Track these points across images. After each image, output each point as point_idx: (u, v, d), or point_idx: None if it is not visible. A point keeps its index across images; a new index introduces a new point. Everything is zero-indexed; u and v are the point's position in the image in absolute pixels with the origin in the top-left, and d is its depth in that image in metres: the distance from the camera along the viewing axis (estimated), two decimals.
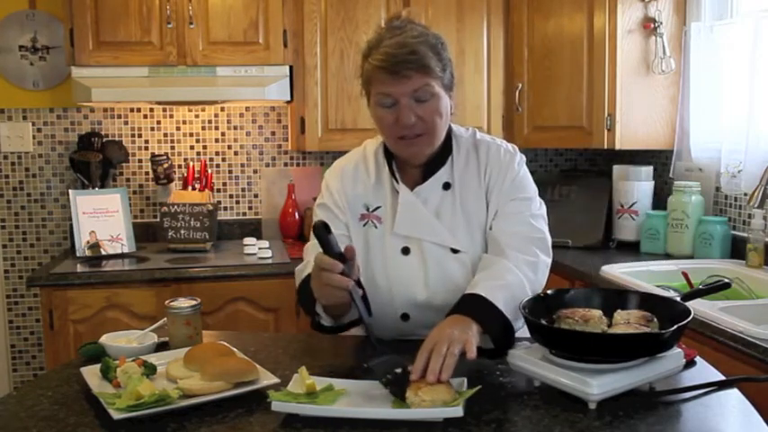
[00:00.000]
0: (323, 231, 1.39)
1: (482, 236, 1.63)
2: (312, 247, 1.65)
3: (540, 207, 1.66)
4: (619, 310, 1.37)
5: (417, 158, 1.62)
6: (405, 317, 1.64)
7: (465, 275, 1.59)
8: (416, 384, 1.23)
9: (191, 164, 3.31)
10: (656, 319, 1.33)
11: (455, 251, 1.61)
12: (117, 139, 3.29)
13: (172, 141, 3.36)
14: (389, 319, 1.65)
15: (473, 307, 1.41)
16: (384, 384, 1.27)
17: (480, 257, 1.60)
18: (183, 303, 1.61)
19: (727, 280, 1.56)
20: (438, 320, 1.44)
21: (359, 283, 1.47)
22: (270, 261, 2.91)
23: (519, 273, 1.51)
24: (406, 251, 1.63)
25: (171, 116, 3.35)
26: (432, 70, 1.52)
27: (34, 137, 3.26)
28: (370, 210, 1.67)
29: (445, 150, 1.65)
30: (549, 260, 1.62)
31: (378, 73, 1.52)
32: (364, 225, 1.67)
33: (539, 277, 1.57)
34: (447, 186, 1.64)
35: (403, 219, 1.62)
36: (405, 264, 1.62)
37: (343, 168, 1.72)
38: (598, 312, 1.35)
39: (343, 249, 1.39)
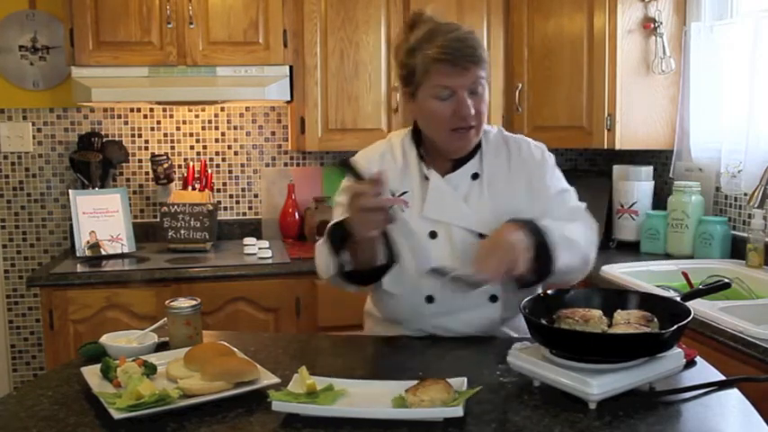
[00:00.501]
0: (351, 164, 1.41)
1: None
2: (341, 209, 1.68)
3: (575, 195, 1.74)
4: (619, 310, 1.37)
5: (464, 150, 1.67)
6: (430, 299, 1.66)
7: None
8: (414, 387, 1.23)
9: (191, 164, 3.31)
10: (656, 319, 1.33)
11: (482, 236, 1.63)
12: (117, 139, 3.29)
13: (172, 141, 3.36)
14: (415, 301, 1.66)
15: (525, 223, 1.50)
16: (451, 280, 1.39)
17: None
18: (183, 303, 1.61)
19: (727, 280, 1.56)
20: (462, 303, 1.59)
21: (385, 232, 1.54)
22: (270, 261, 2.91)
23: (576, 229, 1.60)
24: (433, 235, 1.65)
25: (171, 116, 3.35)
26: (485, 64, 1.60)
27: (34, 137, 3.26)
28: (396, 195, 1.69)
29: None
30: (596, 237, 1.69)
31: (437, 65, 1.56)
32: (391, 208, 1.68)
33: (593, 234, 1.65)
34: (475, 176, 1.69)
35: (432, 203, 1.66)
36: (432, 247, 1.65)
37: (372, 155, 1.76)
38: (598, 312, 1.35)
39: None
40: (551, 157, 1.74)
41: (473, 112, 1.58)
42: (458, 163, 1.69)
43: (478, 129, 1.64)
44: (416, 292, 1.66)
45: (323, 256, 1.63)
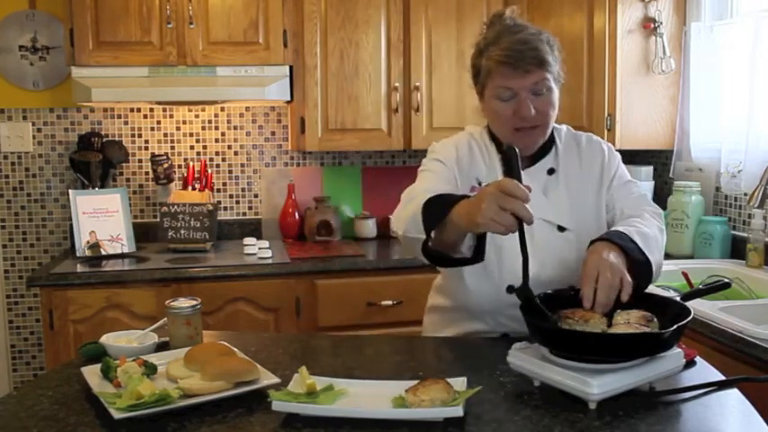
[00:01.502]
0: (514, 154, 1.37)
1: (588, 218, 1.70)
2: (419, 184, 1.68)
3: (640, 186, 1.79)
4: (619, 311, 1.37)
5: (529, 149, 1.69)
6: (510, 289, 1.65)
7: (571, 253, 1.65)
8: (414, 387, 1.23)
9: (191, 164, 3.31)
10: (656, 319, 1.33)
11: (561, 229, 1.67)
12: (117, 139, 3.29)
13: (172, 141, 3.36)
14: (494, 289, 1.66)
15: (617, 237, 1.49)
16: (532, 300, 1.34)
17: (587, 237, 1.61)
18: (183, 303, 1.61)
19: (727, 280, 1.56)
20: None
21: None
22: (270, 261, 2.91)
23: (650, 222, 1.62)
24: None
25: (171, 116, 3.35)
26: (549, 65, 1.62)
27: (34, 137, 3.26)
28: (482, 185, 1.70)
29: (549, 140, 1.74)
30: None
31: (499, 67, 1.60)
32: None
33: (662, 242, 1.64)
34: (551, 172, 1.72)
35: None
36: (514, 238, 1.62)
37: (458, 141, 1.78)
38: (598, 313, 1.35)
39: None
40: (617, 153, 1.80)
41: (533, 112, 1.61)
42: (534, 158, 1.72)
43: (543, 128, 1.67)
44: (497, 280, 1.66)
45: (407, 212, 1.55)
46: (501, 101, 1.63)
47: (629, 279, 1.40)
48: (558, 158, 1.74)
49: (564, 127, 1.81)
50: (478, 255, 1.50)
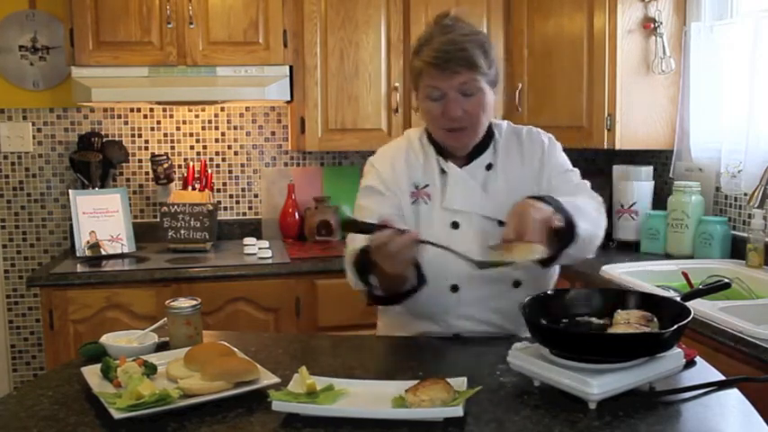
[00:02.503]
0: (354, 223, 1.48)
1: None
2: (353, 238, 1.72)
3: (579, 175, 1.80)
4: (619, 310, 1.37)
5: (461, 149, 1.72)
6: (455, 288, 1.68)
7: None
8: (414, 387, 1.23)
9: (191, 164, 3.31)
10: (656, 319, 1.33)
11: (502, 224, 1.65)
12: (117, 139, 3.29)
13: (172, 141, 3.36)
14: (440, 291, 1.67)
15: (543, 198, 1.52)
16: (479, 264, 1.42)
17: None
18: (183, 303, 1.61)
19: (727, 280, 1.56)
20: (486, 293, 1.65)
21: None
22: (270, 261, 2.91)
23: (585, 201, 1.65)
24: (455, 225, 1.69)
25: (171, 116, 3.35)
26: (478, 67, 1.62)
27: (34, 137, 3.26)
28: (420, 188, 1.74)
29: (487, 137, 1.75)
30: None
31: (428, 68, 1.62)
32: (414, 203, 1.73)
33: (600, 206, 1.70)
34: (489, 167, 1.74)
35: (453, 194, 1.70)
36: (455, 237, 1.67)
37: (391, 152, 1.81)
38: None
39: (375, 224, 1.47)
40: (558, 143, 1.81)
41: (460, 113, 1.62)
42: (472, 156, 1.74)
43: (473, 129, 1.68)
44: (442, 282, 1.67)
45: (349, 271, 1.68)
46: (431, 101, 1.65)
47: (553, 216, 1.45)
48: (497, 154, 1.75)
49: (504, 122, 1.82)
50: (421, 280, 1.61)
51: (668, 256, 2.82)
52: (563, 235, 1.50)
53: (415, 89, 1.72)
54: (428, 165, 1.76)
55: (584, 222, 1.55)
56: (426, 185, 1.74)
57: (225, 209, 3.43)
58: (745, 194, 2.60)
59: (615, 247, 3.06)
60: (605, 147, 2.95)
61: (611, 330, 1.31)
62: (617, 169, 3.12)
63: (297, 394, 1.25)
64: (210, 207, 3.11)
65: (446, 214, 1.70)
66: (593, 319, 1.40)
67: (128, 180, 3.34)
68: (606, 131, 2.92)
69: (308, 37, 3.06)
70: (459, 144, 1.71)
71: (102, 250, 2.94)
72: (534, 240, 1.39)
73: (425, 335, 1.73)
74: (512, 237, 1.41)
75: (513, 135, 1.79)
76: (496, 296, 1.68)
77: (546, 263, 1.54)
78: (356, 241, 1.65)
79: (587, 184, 1.78)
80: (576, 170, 1.80)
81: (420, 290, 1.60)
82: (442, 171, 1.74)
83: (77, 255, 2.93)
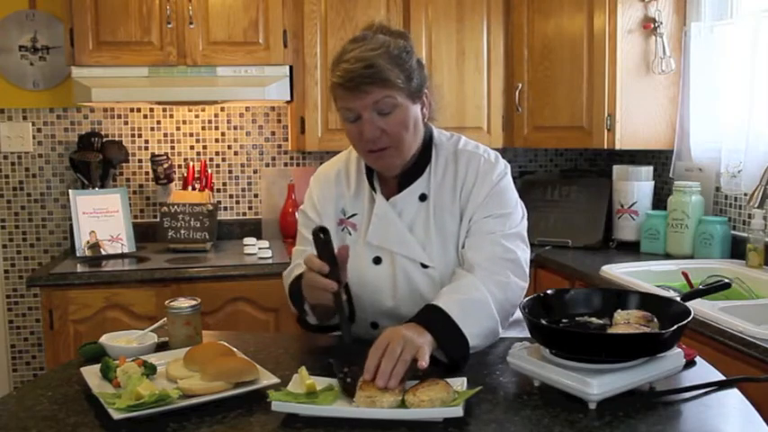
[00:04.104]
0: (321, 235, 1.41)
1: (455, 251, 1.61)
2: (299, 252, 1.69)
3: (519, 223, 1.62)
4: (619, 310, 1.37)
5: (389, 171, 1.61)
6: (374, 325, 1.66)
7: (433, 289, 1.56)
8: (414, 387, 1.23)
9: (191, 164, 3.31)
10: (656, 319, 1.33)
11: (425, 266, 1.60)
12: (117, 139, 3.29)
13: (172, 141, 3.36)
14: (361, 326, 1.66)
15: (430, 318, 1.39)
16: (340, 380, 1.29)
17: (452, 272, 1.58)
18: (183, 303, 1.61)
19: (727, 280, 1.56)
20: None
21: (347, 288, 1.53)
22: (270, 261, 2.91)
23: (485, 291, 1.48)
24: (377, 261, 1.64)
25: (171, 116, 3.35)
26: (391, 83, 1.49)
27: (34, 137, 3.26)
28: (347, 216, 1.68)
29: (423, 159, 1.63)
30: (524, 284, 1.58)
31: (337, 90, 1.52)
32: (342, 230, 1.69)
33: (509, 297, 1.52)
34: (423, 198, 1.62)
35: (376, 229, 1.63)
36: (375, 273, 1.63)
37: (326, 174, 1.74)
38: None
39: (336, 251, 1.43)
40: (502, 174, 1.62)
41: (377, 134, 1.51)
42: (404, 182, 1.62)
43: (398, 149, 1.55)
44: (362, 316, 1.65)
45: (287, 298, 1.70)
46: (349, 122, 1.54)
47: (426, 349, 1.30)
48: (431, 182, 1.62)
49: (451, 140, 1.67)
50: (351, 314, 1.59)
51: (668, 256, 2.82)
52: (451, 347, 1.38)
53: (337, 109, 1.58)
54: (359, 191, 1.67)
55: (481, 323, 1.43)
56: (354, 215, 1.67)
57: (225, 209, 3.43)
58: (745, 194, 2.60)
59: (615, 247, 3.07)
60: (605, 147, 2.95)
61: (611, 330, 1.31)
62: (617, 169, 3.12)
63: (296, 394, 1.25)
64: (210, 207, 3.11)
65: (369, 249, 1.63)
66: (593, 319, 1.40)
67: (128, 180, 3.34)
68: (606, 131, 2.93)
69: (308, 37, 3.05)
70: (383, 165, 1.59)
71: (102, 250, 2.94)
72: (390, 386, 1.22)
73: None
74: (370, 378, 1.24)
75: (452, 159, 1.63)
76: None
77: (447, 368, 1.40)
78: (296, 261, 1.66)
79: (520, 241, 1.59)
80: (515, 215, 1.60)
81: (342, 324, 1.44)
82: (374, 201, 1.64)
83: (77, 255, 2.92)
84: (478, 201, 1.59)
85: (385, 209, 1.62)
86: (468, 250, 1.57)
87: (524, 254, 1.60)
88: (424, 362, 1.27)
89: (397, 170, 1.61)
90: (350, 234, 1.67)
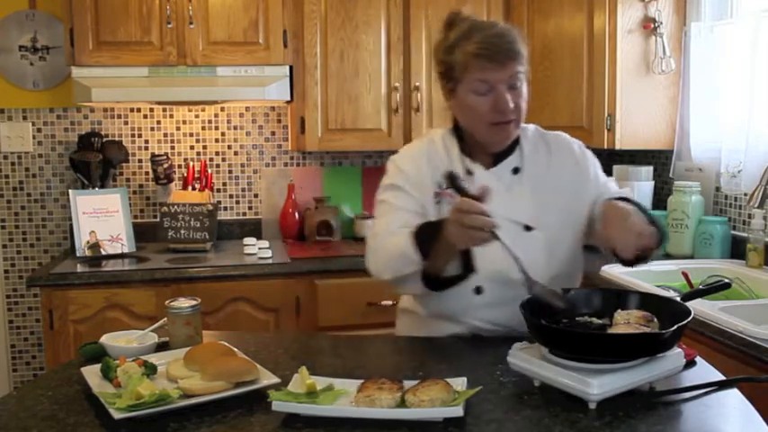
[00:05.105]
0: (456, 177, 1.45)
1: (558, 218, 1.68)
2: (391, 221, 1.69)
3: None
4: (619, 310, 1.37)
5: (504, 143, 1.70)
6: (478, 290, 1.66)
7: (537, 252, 1.63)
8: (414, 387, 1.23)
9: (191, 164, 3.31)
10: (656, 319, 1.33)
11: (528, 228, 1.65)
12: (117, 139, 3.29)
13: (172, 141, 3.36)
14: (463, 291, 1.65)
15: (624, 199, 1.56)
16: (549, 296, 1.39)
17: (552, 237, 1.66)
18: (183, 303, 1.61)
19: (727, 280, 1.57)
20: (509, 294, 1.54)
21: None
22: (270, 261, 2.91)
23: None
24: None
25: (171, 116, 3.35)
26: (523, 58, 1.64)
27: (34, 137, 3.26)
28: (443, 188, 1.70)
29: (513, 139, 1.73)
30: None
31: (476, 60, 1.60)
32: (438, 203, 1.71)
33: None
34: (516, 171, 1.72)
35: None
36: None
37: (418, 150, 1.78)
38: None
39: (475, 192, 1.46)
40: (589, 151, 1.80)
41: (512, 106, 1.61)
42: (498, 158, 1.71)
43: (518, 122, 1.67)
44: (466, 284, 1.65)
45: (389, 256, 1.63)
46: (478, 95, 1.62)
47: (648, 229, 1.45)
48: (524, 158, 1.73)
49: (531, 126, 1.80)
50: (468, 268, 1.58)
51: (668, 256, 2.82)
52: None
53: (453, 86, 1.66)
54: (452, 165, 1.72)
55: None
56: (449, 187, 1.71)
57: (225, 209, 3.43)
58: (745, 194, 2.60)
59: None
60: (605, 147, 2.95)
61: (611, 330, 1.31)
62: (617, 169, 3.12)
63: (297, 394, 1.25)
64: (210, 207, 3.11)
65: None
66: (594, 319, 1.40)
67: (128, 180, 3.34)
68: (606, 131, 2.92)
69: (308, 37, 3.06)
70: (503, 138, 1.68)
71: (102, 250, 2.94)
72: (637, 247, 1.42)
73: (445, 336, 1.71)
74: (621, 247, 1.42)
75: (540, 140, 1.77)
76: (519, 299, 1.64)
77: (632, 262, 1.53)
78: (388, 223, 1.66)
79: (629, 191, 1.79)
80: (612, 179, 1.83)
81: (468, 278, 1.58)
82: (468, 172, 1.70)
83: (77, 255, 2.93)
84: (588, 168, 1.77)
85: (486, 176, 1.69)
86: (605, 196, 1.69)
87: None
88: (651, 240, 1.45)
89: (509, 142, 1.70)
90: (449, 204, 1.68)
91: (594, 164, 1.79)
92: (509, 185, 1.70)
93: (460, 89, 1.65)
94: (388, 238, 1.65)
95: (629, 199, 1.63)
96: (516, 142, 1.73)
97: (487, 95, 1.61)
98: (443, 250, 1.53)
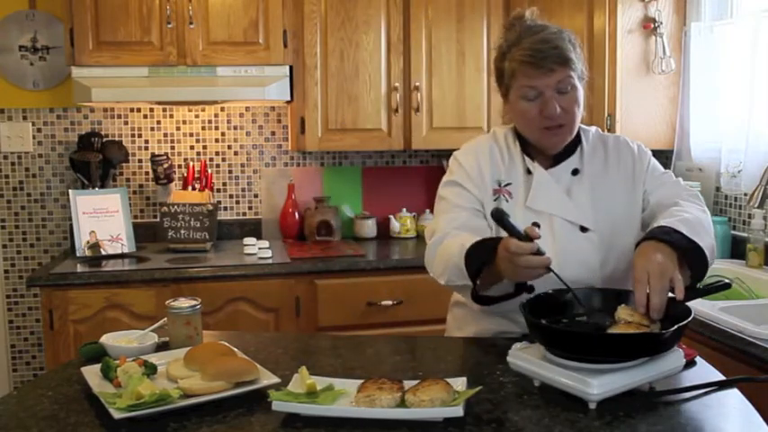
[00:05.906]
0: (503, 216, 1.43)
1: (616, 219, 1.68)
2: (450, 219, 1.69)
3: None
4: (623, 305, 1.37)
5: (557, 147, 1.71)
6: (530, 289, 1.63)
7: (593, 254, 1.65)
8: (414, 387, 1.23)
9: (191, 164, 3.31)
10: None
11: (584, 230, 1.66)
12: (117, 139, 3.29)
13: (172, 141, 3.36)
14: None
15: (661, 233, 1.46)
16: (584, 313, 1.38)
17: (608, 238, 1.66)
18: (183, 303, 1.61)
19: (727, 280, 1.56)
20: None
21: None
22: (270, 261, 2.91)
23: (695, 211, 1.60)
24: (536, 225, 1.66)
25: (171, 116, 3.35)
26: (572, 63, 1.62)
27: (34, 137, 3.26)
28: (502, 185, 1.73)
29: (574, 141, 1.74)
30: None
31: (522, 67, 1.62)
32: (495, 199, 1.72)
33: (710, 221, 1.64)
34: (576, 172, 1.73)
35: (537, 195, 1.69)
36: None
37: (480, 148, 1.79)
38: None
39: (522, 231, 1.42)
40: (647, 149, 1.79)
41: (559, 111, 1.62)
42: (558, 158, 1.73)
43: (570, 126, 1.67)
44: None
45: (444, 264, 1.62)
46: (526, 101, 1.64)
47: (680, 276, 1.38)
48: (584, 159, 1.74)
49: (593, 128, 1.81)
50: (523, 286, 1.56)
51: None
52: (694, 262, 1.48)
53: (505, 94, 1.71)
54: (512, 163, 1.74)
55: (705, 237, 1.51)
56: (509, 183, 1.73)
57: (225, 209, 3.43)
58: (745, 194, 2.60)
59: None
60: None
61: (612, 330, 1.31)
62: None
63: (297, 394, 1.25)
64: (210, 207, 3.11)
65: (528, 214, 1.68)
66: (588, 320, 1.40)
67: (128, 180, 3.34)
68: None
69: (308, 37, 3.05)
70: (556, 142, 1.69)
71: (102, 250, 2.94)
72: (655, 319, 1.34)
73: (497, 334, 1.71)
74: (644, 311, 1.34)
75: (599, 142, 1.78)
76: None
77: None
78: (446, 230, 1.65)
79: (681, 181, 1.77)
80: (669, 171, 1.79)
81: (520, 295, 1.54)
82: (528, 171, 1.72)
83: (77, 255, 2.93)
84: (645, 164, 1.74)
85: (545, 176, 1.71)
86: (662, 199, 1.67)
87: None
88: (681, 293, 1.36)
89: (560, 148, 1.71)
90: (506, 201, 1.71)
91: (651, 161, 1.77)
92: (568, 186, 1.71)
93: (512, 95, 1.68)
94: (445, 240, 1.65)
95: (665, 226, 1.51)
96: (577, 143, 1.74)
97: (536, 101, 1.63)
98: (495, 275, 1.51)
